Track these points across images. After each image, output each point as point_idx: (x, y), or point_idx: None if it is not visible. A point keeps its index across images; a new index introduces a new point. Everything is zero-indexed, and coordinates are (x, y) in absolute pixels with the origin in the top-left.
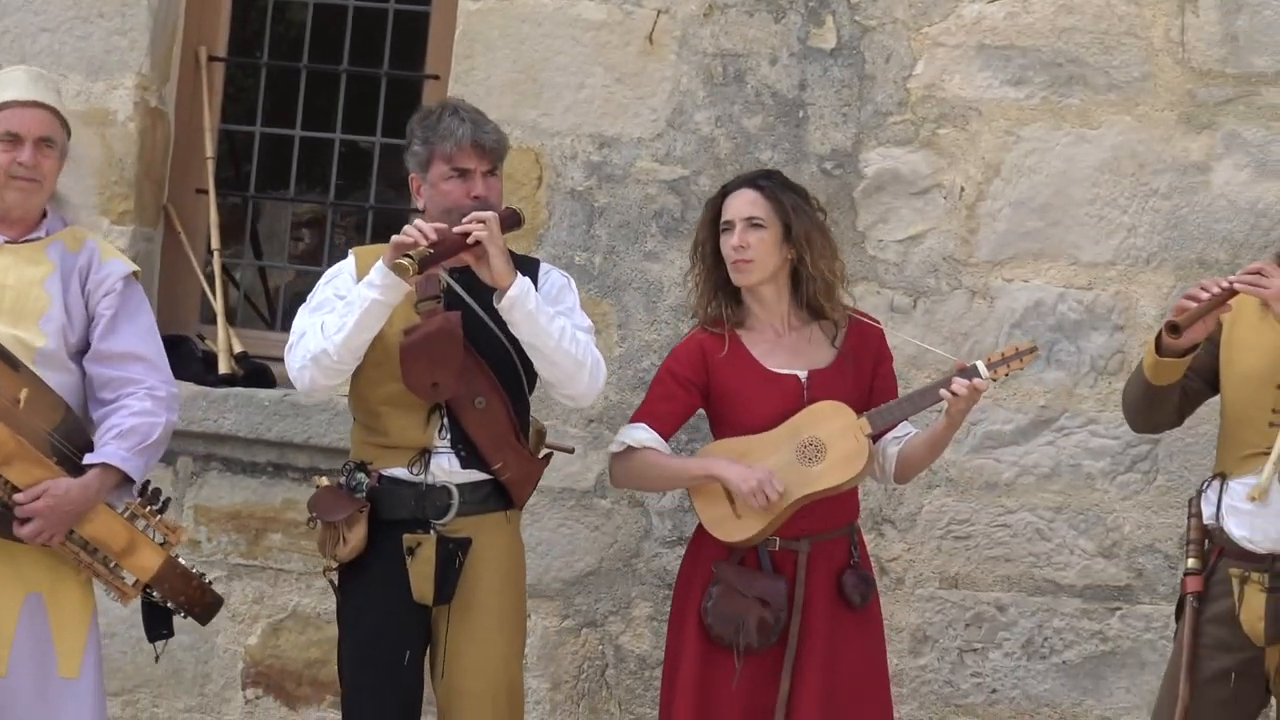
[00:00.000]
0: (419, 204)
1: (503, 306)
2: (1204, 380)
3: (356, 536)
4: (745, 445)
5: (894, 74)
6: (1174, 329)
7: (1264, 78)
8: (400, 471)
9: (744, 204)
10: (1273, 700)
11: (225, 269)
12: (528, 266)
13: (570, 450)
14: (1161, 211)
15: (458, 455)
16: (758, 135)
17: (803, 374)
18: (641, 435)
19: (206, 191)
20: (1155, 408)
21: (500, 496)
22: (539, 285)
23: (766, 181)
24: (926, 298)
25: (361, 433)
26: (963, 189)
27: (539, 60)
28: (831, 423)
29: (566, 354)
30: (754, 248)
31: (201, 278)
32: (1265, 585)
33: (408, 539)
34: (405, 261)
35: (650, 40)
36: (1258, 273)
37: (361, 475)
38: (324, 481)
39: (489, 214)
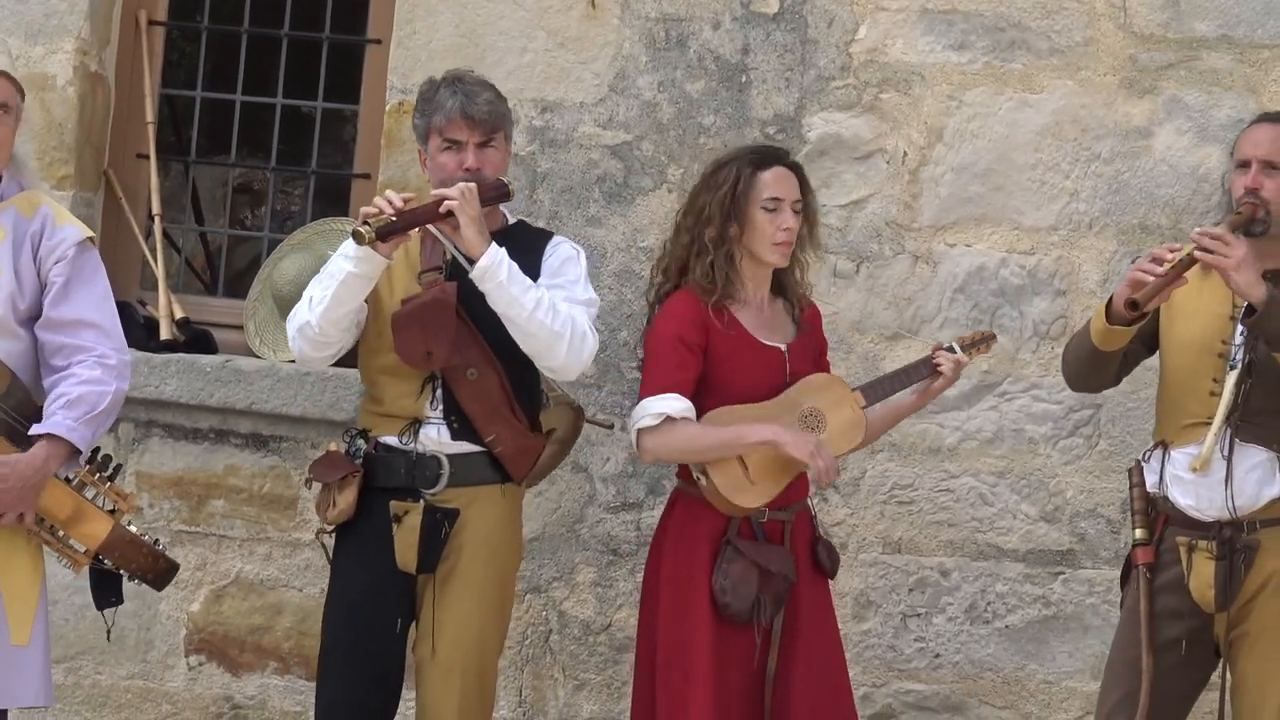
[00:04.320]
0: (427, 176)
1: (474, 276)
2: (1143, 343)
3: (346, 500)
4: (749, 414)
5: (837, 39)
6: (1134, 305)
7: (1205, 42)
8: (393, 440)
9: (792, 187)
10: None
11: (166, 234)
12: (539, 239)
13: (610, 426)
14: (1103, 176)
15: (449, 426)
16: (700, 100)
17: (783, 346)
18: (678, 405)
19: (147, 156)
20: (1098, 370)
21: (497, 470)
22: (544, 258)
23: (797, 163)
24: (870, 263)
25: (365, 401)
26: (905, 154)
27: (481, 24)
28: (827, 394)
29: (542, 325)
30: (794, 230)
31: (142, 243)
32: (1213, 553)
33: (395, 506)
34: (363, 230)
35: (593, 4)
36: (1218, 239)
37: (361, 441)
38: (333, 446)
39: (465, 184)
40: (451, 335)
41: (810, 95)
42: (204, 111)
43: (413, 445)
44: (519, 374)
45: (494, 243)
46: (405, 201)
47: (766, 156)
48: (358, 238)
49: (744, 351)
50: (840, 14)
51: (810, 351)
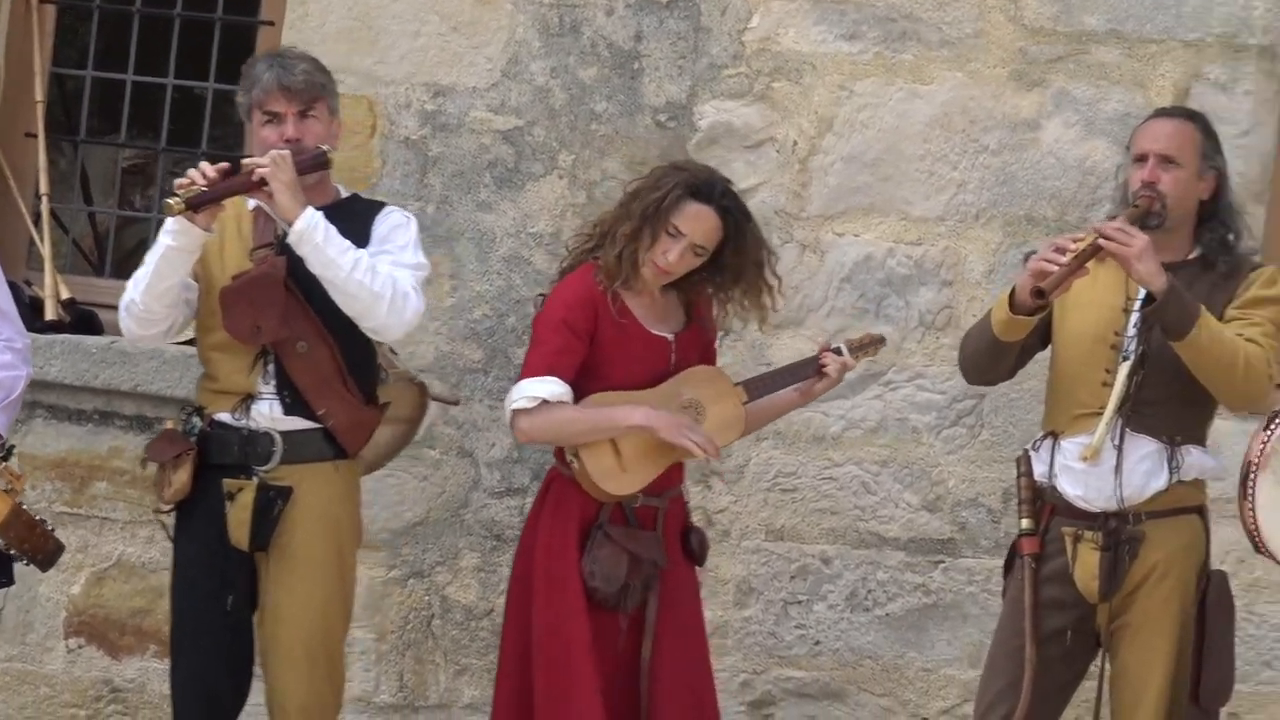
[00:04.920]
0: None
1: (291, 240)
2: (1038, 335)
3: (180, 479)
4: (633, 400)
5: (729, 27)
6: (1039, 294)
7: (1094, 36)
8: (227, 416)
9: (705, 230)
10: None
11: (54, 214)
12: (371, 209)
13: (455, 402)
14: (991, 168)
15: (282, 401)
16: (593, 87)
17: (671, 336)
18: (555, 389)
19: (36, 135)
20: (996, 362)
21: (331, 445)
22: (375, 226)
23: (731, 206)
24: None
25: (202, 378)
26: (795, 143)
27: (374, 8)
28: (710, 386)
29: (361, 285)
30: (680, 267)
31: (29, 223)
32: (1099, 543)
33: (228, 484)
34: (173, 201)
35: None
36: (1120, 229)
37: (196, 419)
38: (169, 424)
39: (277, 151)
40: (280, 309)
41: (702, 83)
42: (95, 91)
43: (245, 421)
44: (352, 347)
45: (310, 207)
46: (219, 172)
47: (701, 190)
48: (167, 209)
49: (631, 339)
50: (733, 2)
51: (698, 342)
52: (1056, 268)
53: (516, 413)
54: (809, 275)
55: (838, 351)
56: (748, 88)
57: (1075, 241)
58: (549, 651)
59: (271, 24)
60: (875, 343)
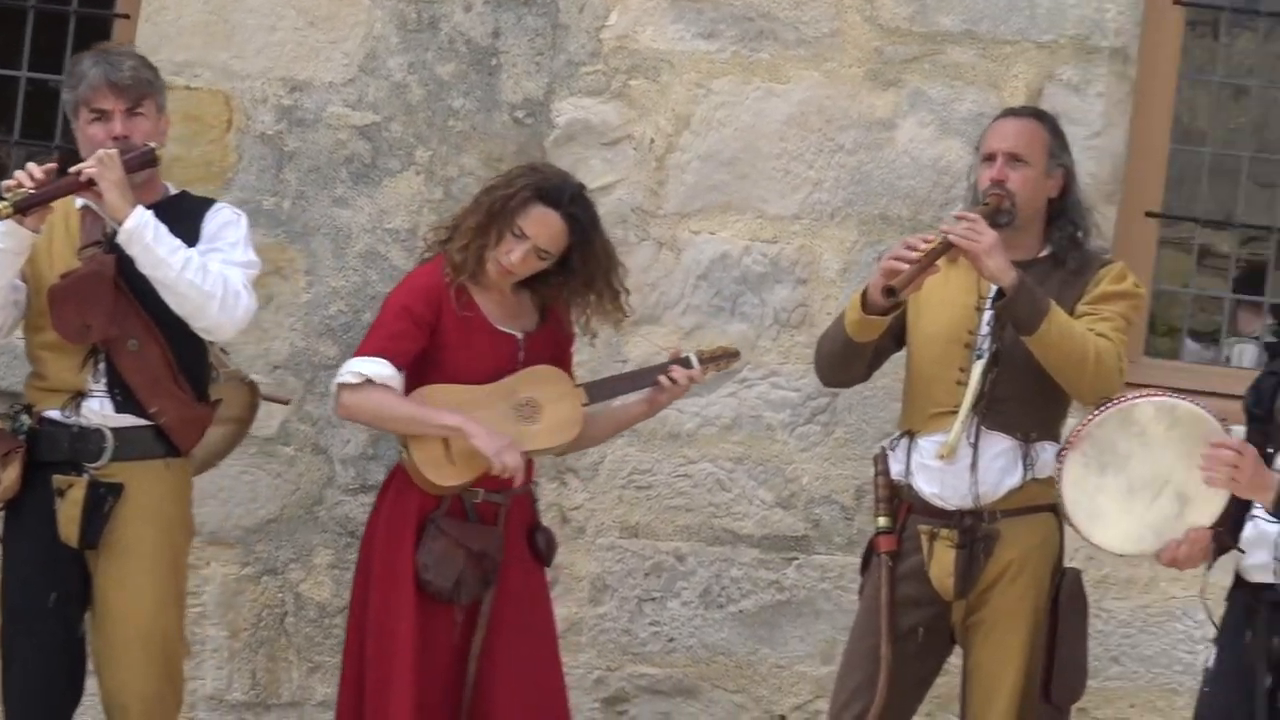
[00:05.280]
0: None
1: (120, 240)
2: (892, 337)
3: (9, 477)
4: (464, 395)
5: (587, 24)
6: (891, 293)
7: (949, 36)
8: (56, 413)
9: (551, 234)
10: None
11: None
12: (200, 206)
13: (286, 402)
14: (847, 167)
15: (112, 399)
16: (450, 83)
17: (520, 334)
18: (383, 370)
19: None
20: (850, 363)
21: (162, 443)
22: (204, 223)
23: (579, 214)
24: (615, 248)
25: (30, 377)
26: (653, 141)
27: (231, 1)
28: (550, 387)
29: (191, 285)
30: (523, 269)
31: None
32: (954, 541)
33: (58, 480)
34: (0, 204)
35: None
36: (971, 226)
37: (24, 417)
38: None
39: (104, 151)
40: (109, 308)
41: (560, 80)
42: None
43: (75, 419)
44: (183, 346)
45: (140, 206)
46: (46, 173)
47: (550, 195)
48: None
49: (476, 334)
50: (592, 0)
51: (551, 342)
52: (907, 266)
53: (341, 387)
54: (665, 273)
55: (686, 362)
56: (605, 85)
57: (926, 241)
58: (379, 642)
59: (127, 17)
60: (728, 356)
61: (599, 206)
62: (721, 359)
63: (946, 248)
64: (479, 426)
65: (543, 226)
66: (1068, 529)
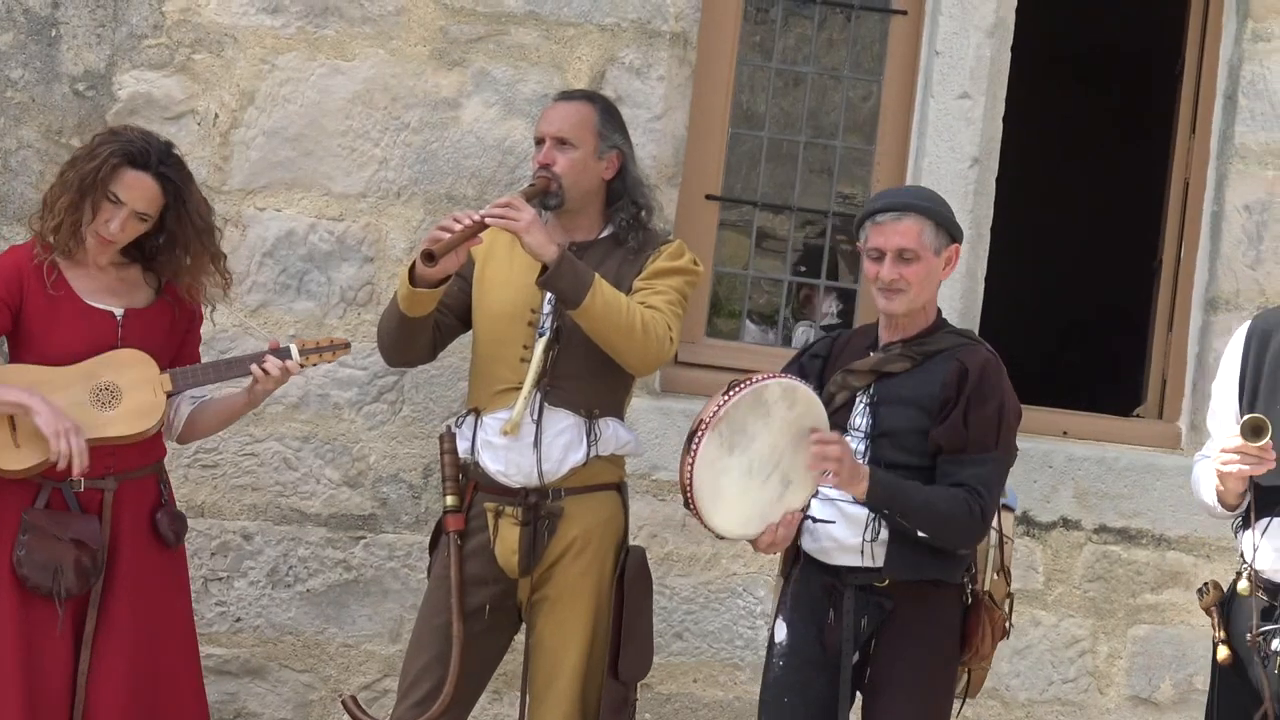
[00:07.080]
0: None
1: None
2: (457, 316)
3: None
4: (40, 376)
5: None
6: (429, 257)
7: (514, 17)
8: None
9: (142, 196)
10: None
11: None
12: None
13: None
14: (413, 146)
15: None
16: (8, 53)
17: (119, 311)
18: None
19: None
20: (410, 340)
21: None
22: None
23: (169, 172)
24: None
25: None
26: (217, 116)
27: None
28: (132, 372)
29: None
30: (125, 236)
31: None
32: (519, 519)
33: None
34: None
35: None
36: (508, 205)
37: None
38: None
39: None
40: None
41: (122, 53)
42: None
43: None
44: None
45: None
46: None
47: (137, 157)
48: None
49: (65, 312)
50: None
51: (164, 320)
52: (449, 235)
53: None
54: (231, 250)
55: (285, 353)
56: (168, 59)
57: (472, 219)
58: None
59: None
60: (335, 347)
61: None
62: (328, 350)
63: (483, 226)
64: (46, 405)
65: (137, 190)
66: (632, 508)
